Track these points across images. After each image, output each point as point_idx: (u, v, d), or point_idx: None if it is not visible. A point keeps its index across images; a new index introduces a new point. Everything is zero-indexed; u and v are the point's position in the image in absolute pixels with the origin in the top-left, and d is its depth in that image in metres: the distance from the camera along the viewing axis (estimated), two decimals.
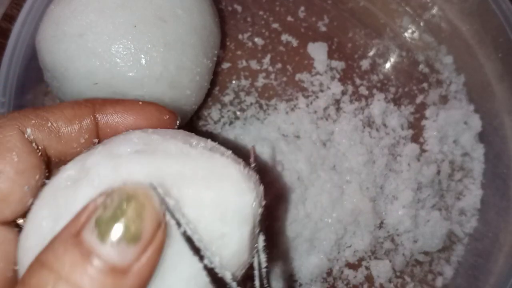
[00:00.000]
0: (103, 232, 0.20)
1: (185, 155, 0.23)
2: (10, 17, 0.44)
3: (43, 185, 0.24)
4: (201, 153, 0.24)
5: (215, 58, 0.43)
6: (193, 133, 0.27)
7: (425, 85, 0.49)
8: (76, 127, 0.26)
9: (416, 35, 0.51)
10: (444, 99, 0.49)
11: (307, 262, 0.43)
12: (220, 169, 0.23)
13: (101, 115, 0.27)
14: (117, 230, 0.20)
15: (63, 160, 0.26)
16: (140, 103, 0.28)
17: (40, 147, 0.25)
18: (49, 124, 0.25)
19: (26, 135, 0.24)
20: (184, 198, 0.22)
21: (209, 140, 0.26)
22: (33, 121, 0.25)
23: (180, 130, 0.27)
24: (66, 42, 0.36)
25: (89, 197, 0.21)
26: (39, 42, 0.38)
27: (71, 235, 0.20)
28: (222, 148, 0.26)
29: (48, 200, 0.23)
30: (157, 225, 0.21)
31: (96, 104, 0.27)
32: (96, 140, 0.27)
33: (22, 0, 0.42)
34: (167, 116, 0.29)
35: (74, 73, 0.36)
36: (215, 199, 0.23)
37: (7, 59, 0.41)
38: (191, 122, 0.47)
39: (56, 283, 0.19)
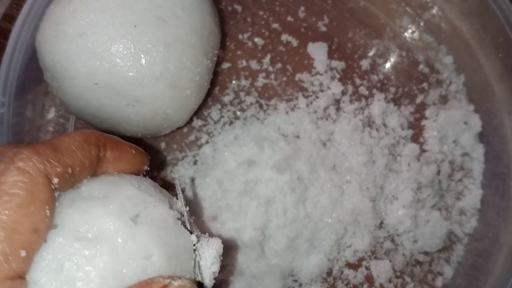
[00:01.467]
0: None
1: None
2: (10, 17, 0.44)
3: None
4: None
5: (215, 58, 0.43)
6: (151, 188, 0.30)
7: (425, 85, 0.49)
8: (86, 174, 0.28)
9: (416, 35, 0.51)
10: (444, 99, 0.49)
11: (307, 262, 0.43)
12: None
13: (104, 152, 0.29)
14: None
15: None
16: (133, 151, 0.32)
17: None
18: (69, 170, 0.26)
19: (52, 185, 0.25)
20: None
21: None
22: (58, 169, 0.25)
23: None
24: (66, 42, 0.36)
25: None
26: (39, 42, 0.38)
27: None
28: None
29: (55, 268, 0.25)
30: None
31: (101, 143, 0.29)
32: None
33: (22, 0, 0.42)
34: (146, 168, 0.33)
35: (74, 73, 0.36)
36: None
37: (7, 59, 0.41)
38: (191, 122, 0.47)
39: None
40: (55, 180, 0.25)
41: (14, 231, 0.23)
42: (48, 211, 0.24)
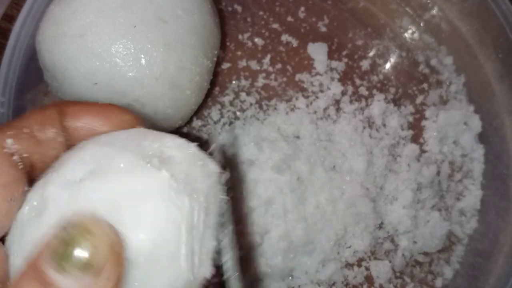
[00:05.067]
0: (61, 265, 0.20)
1: (133, 173, 0.24)
2: (10, 17, 0.44)
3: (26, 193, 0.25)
4: (146, 169, 0.24)
5: (215, 59, 0.43)
6: (149, 130, 0.27)
7: (425, 85, 0.49)
8: (49, 131, 0.26)
9: (416, 35, 0.51)
10: (444, 100, 0.49)
11: (307, 263, 0.43)
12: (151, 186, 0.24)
13: (69, 119, 0.27)
14: (74, 261, 0.20)
15: (47, 163, 0.26)
16: (99, 105, 0.29)
17: (24, 155, 0.25)
18: (25, 130, 0.25)
19: (6, 148, 0.24)
20: (139, 216, 0.23)
21: (165, 138, 0.26)
22: (9, 132, 0.25)
23: (135, 131, 0.27)
24: (66, 43, 0.36)
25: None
26: (39, 42, 0.38)
27: (32, 269, 0.21)
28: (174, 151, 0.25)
29: (17, 236, 0.24)
30: (112, 252, 0.21)
31: (62, 108, 0.27)
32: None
33: (22, 0, 0.42)
34: (128, 118, 0.29)
35: (74, 73, 0.36)
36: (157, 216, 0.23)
37: (7, 59, 0.41)
38: (191, 122, 0.47)
39: None
40: (9, 142, 0.24)
41: None
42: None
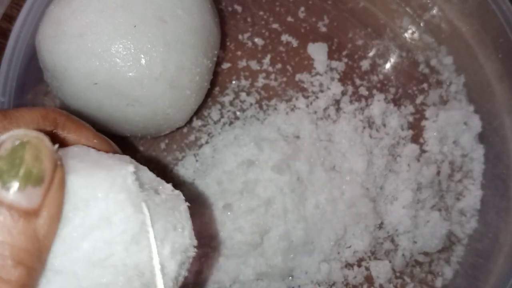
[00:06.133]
0: (6, 181, 0.20)
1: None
2: (10, 17, 0.44)
3: None
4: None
5: (215, 58, 0.43)
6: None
7: (425, 85, 0.49)
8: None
9: (416, 35, 0.51)
10: (444, 100, 0.49)
11: (307, 262, 0.43)
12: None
13: (61, 131, 0.28)
14: (19, 176, 0.21)
15: None
16: (95, 141, 0.30)
17: None
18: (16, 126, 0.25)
19: None
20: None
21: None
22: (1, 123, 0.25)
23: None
24: (66, 42, 0.36)
25: None
26: (39, 42, 0.38)
27: None
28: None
29: None
30: (55, 164, 0.22)
31: (59, 122, 0.28)
32: None
33: (22, 0, 0.42)
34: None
35: (74, 73, 0.36)
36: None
37: (7, 59, 0.41)
38: (191, 122, 0.47)
39: None
40: None
41: None
42: None
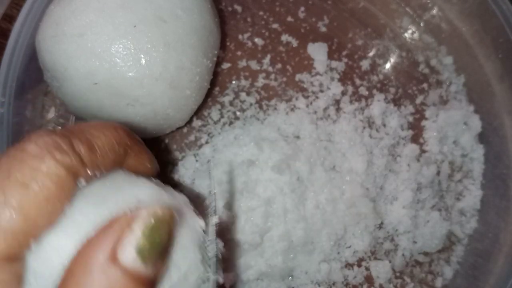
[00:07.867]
0: (145, 258, 0.22)
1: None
2: (10, 17, 0.44)
3: None
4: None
5: (215, 58, 0.43)
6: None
7: (425, 85, 0.49)
8: (110, 167, 0.27)
9: (416, 35, 0.51)
10: (444, 100, 0.49)
11: (307, 262, 0.43)
12: None
13: (127, 156, 0.29)
14: (158, 253, 0.23)
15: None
16: (149, 166, 0.31)
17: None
18: (98, 174, 0.25)
19: (78, 185, 0.24)
20: None
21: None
22: (89, 172, 0.25)
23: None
24: (66, 42, 0.36)
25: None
26: (39, 42, 0.38)
27: (107, 259, 0.21)
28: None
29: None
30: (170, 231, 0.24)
31: (128, 146, 0.29)
32: None
33: (22, 0, 0.42)
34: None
35: (74, 73, 0.36)
36: None
37: (7, 59, 0.41)
38: (191, 122, 0.47)
39: None
40: (82, 182, 0.24)
41: (33, 224, 0.22)
42: (66, 208, 0.24)
